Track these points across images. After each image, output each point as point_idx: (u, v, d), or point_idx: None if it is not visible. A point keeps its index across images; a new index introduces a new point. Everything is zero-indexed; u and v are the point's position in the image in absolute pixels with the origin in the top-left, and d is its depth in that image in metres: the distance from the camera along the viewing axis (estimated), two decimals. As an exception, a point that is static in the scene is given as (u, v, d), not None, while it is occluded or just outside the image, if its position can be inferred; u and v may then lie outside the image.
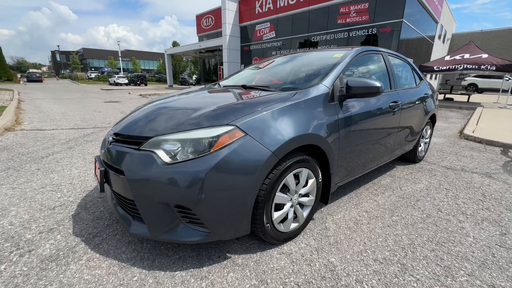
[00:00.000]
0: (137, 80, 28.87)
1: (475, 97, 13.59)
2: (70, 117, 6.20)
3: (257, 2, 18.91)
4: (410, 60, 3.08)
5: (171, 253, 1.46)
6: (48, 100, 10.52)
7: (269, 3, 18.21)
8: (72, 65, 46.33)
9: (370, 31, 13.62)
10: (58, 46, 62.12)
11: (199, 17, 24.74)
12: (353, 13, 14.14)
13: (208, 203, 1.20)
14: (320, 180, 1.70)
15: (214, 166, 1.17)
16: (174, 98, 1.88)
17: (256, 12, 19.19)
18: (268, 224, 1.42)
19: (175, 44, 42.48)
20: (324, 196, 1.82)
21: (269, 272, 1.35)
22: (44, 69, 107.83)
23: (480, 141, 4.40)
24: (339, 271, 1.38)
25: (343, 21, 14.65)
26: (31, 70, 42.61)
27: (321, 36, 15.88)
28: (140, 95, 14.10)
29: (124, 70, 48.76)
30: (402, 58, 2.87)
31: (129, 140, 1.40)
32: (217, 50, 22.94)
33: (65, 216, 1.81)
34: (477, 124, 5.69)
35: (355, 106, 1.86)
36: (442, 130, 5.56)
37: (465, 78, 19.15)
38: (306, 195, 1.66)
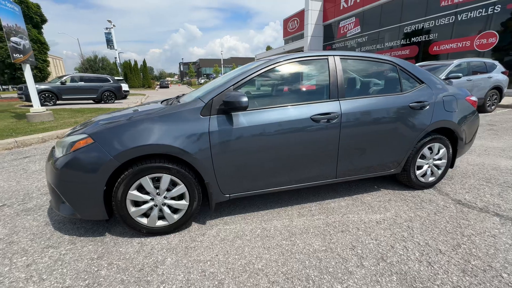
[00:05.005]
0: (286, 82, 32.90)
1: None
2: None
3: (342, -3, 17.66)
4: (403, 61, 2.43)
5: (78, 223, 2.02)
6: (155, 102, 13.87)
7: (355, -4, 16.64)
8: (189, 73, 58.27)
9: (489, 11, 10.18)
10: (182, 58, 79.21)
11: (286, 21, 25.46)
12: (465, -11, 10.95)
13: (65, 189, 1.66)
14: (196, 188, 1.83)
15: (67, 162, 1.62)
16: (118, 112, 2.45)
17: (341, 8, 17.95)
18: (124, 215, 1.73)
19: (268, 48, 45.40)
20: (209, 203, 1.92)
21: (112, 252, 1.67)
22: (176, 77, 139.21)
23: None
24: (158, 269, 1.53)
25: (448, 3, 11.60)
26: (165, 79, 56.00)
27: (417, 25, 13.16)
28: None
29: (226, 75, 56.40)
30: (381, 60, 2.33)
31: (60, 140, 2.05)
32: (301, 51, 22.98)
33: (62, 187, 2.73)
34: None
35: (243, 119, 1.83)
36: (545, 150, 3.76)
37: None
38: (177, 198, 1.84)
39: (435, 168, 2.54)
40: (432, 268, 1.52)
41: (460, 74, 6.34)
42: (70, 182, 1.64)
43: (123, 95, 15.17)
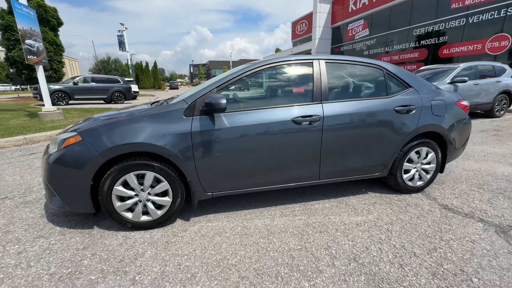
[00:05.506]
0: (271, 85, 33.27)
1: None
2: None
3: (351, -1, 17.56)
4: (390, 65, 2.44)
5: (70, 216, 2.14)
6: (163, 103, 14.18)
7: (364, -2, 16.51)
8: (198, 75, 59.33)
9: (501, 13, 9.90)
10: (192, 60, 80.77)
11: (294, 23, 25.50)
12: (477, -9, 10.69)
13: (56, 182, 1.77)
14: (179, 186, 1.91)
15: (57, 158, 1.74)
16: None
17: (349, 10, 17.83)
18: (110, 210, 1.83)
19: (277, 50, 45.56)
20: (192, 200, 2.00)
21: (97, 244, 1.77)
22: (186, 78, 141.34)
23: None
24: (137, 261, 1.61)
25: (459, 5, 11.35)
26: (175, 80, 57.17)
27: (426, 28, 12.92)
28: (228, 99, 16.37)
29: (235, 77, 57.21)
30: (368, 64, 2.36)
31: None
32: (309, 54, 22.95)
33: (62, 182, 2.88)
34: None
35: (225, 120, 1.90)
36: (548, 157, 3.64)
37: None
38: (161, 195, 1.93)
39: (424, 173, 2.53)
40: (403, 270, 1.54)
41: (466, 78, 6.21)
42: (60, 177, 1.76)
43: (133, 96, 15.61)
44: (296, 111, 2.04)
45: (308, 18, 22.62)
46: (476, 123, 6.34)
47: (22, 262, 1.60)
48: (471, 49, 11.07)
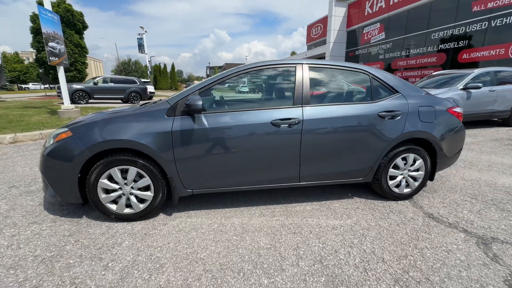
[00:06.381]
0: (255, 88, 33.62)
1: None
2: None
3: (367, 2, 17.24)
4: (376, 70, 2.43)
5: (65, 206, 2.31)
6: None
7: (380, 2, 16.15)
8: (214, 77, 60.87)
9: (527, 16, 9.33)
10: (209, 63, 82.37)
11: (310, 27, 25.38)
12: (501, -7, 10.15)
13: (49, 173, 1.94)
14: (161, 181, 2.02)
15: (50, 151, 1.91)
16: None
17: (365, 14, 17.50)
18: (96, 201, 1.98)
19: (292, 54, 45.49)
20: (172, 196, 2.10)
21: (82, 232, 1.92)
22: (203, 80, 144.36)
23: None
24: (114, 249, 1.73)
25: (481, 8, 10.82)
26: (192, 82, 58.71)
27: (445, 31, 12.42)
28: (239, 101, 16.59)
29: (250, 79, 57.80)
30: (353, 69, 2.36)
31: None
32: (323, 57, 22.73)
33: (65, 174, 3.10)
34: None
35: (205, 121, 1.99)
36: (561, 169, 3.41)
37: None
38: (144, 189, 2.04)
39: (411, 180, 2.47)
40: (366, 274, 1.54)
41: (480, 84, 5.93)
42: (52, 168, 1.93)
43: (148, 96, 16.22)
44: (275, 113, 2.09)
45: (324, 22, 22.44)
46: (491, 132, 6.03)
47: (13, 243, 1.76)
48: (493, 53, 10.50)
